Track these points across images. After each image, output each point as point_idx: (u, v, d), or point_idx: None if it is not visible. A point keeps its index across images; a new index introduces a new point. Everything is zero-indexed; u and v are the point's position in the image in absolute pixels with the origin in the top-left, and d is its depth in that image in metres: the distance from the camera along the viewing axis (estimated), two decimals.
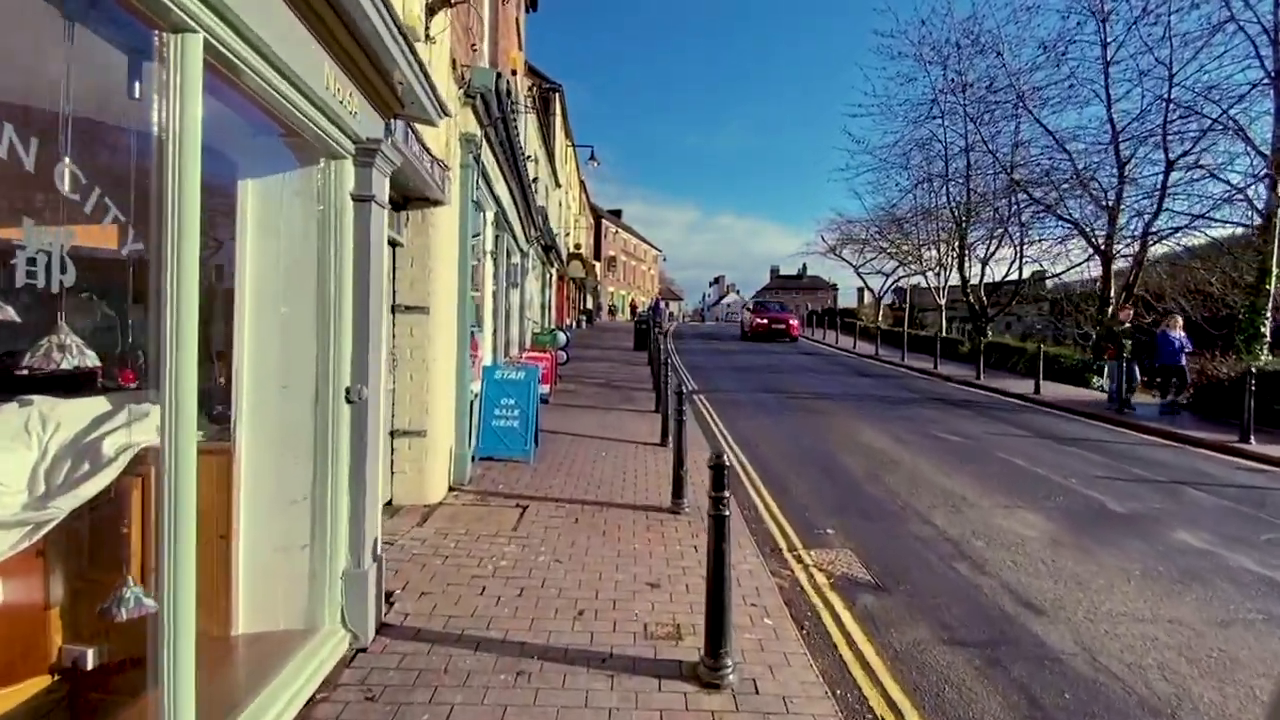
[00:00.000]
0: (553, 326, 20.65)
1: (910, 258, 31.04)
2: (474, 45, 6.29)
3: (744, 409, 11.26)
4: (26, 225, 1.74)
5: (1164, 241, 16.48)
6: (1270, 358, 12.59)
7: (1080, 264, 19.82)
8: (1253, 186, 14.12)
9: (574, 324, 32.52)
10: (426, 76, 3.40)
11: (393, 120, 3.59)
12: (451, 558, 4.33)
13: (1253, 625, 3.97)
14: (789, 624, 3.64)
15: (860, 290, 46.85)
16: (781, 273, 78.55)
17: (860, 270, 36.49)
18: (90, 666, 2.65)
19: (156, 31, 1.90)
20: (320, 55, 2.56)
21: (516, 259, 11.60)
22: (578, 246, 35.89)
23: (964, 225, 22.97)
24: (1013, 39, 20.19)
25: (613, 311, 53.89)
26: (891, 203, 27.75)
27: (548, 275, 22.24)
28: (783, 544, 5.08)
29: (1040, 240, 21.02)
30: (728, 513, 3.04)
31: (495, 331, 9.00)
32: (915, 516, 5.79)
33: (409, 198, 5.24)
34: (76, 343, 1.90)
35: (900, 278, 34.56)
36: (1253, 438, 9.07)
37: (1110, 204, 16.65)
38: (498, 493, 5.84)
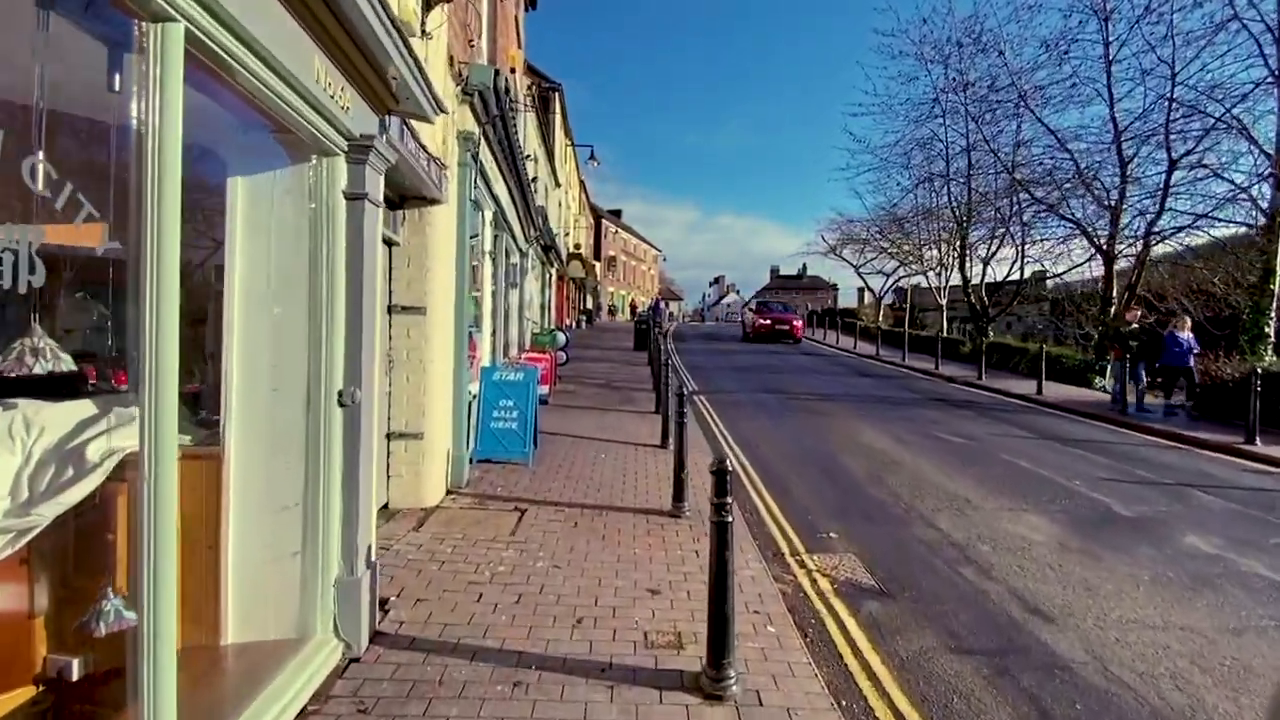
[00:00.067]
0: (552, 327, 20.57)
1: (911, 258, 30.96)
2: (471, 41, 6.21)
3: (745, 410, 11.18)
4: None
5: (1167, 241, 16.40)
6: (1275, 358, 12.51)
7: (1082, 264, 19.77)
8: (1256, 186, 14.04)
9: (574, 324, 32.45)
10: (422, 71, 3.32)
11: (387, 117, 3.51)
12: (448, 563, 4.25)
13: (1265, 633, 3.89)
14: (792, 632, 3.56)
15: (860, 290, 46.80)
16: (781, 273, 78.40)
17: (861, 270, 36.44)
18: (76, 677, 2.58)
19: (136, 21, 1.82)
20: (310, 48, 2.48)
21: (516, 259, 11.52)
22: (577, 246, 35.82)
23: (965, 225, 22.88)
24: (1014, 38, 20.23)
25: (612, 311, 53.81)
26: (892, 202, 27.70)
27: (547, 275, 22.16)
28: (785, 548, 5.00)
29: (1042, 240, 20.97)
30: (730, 519, 2.96)
31: (494, 332, 8.92)
32: (919, 519, 5.71)
33: (405, 196, 5.16)
34: (51, 346, 1.82)
35: (901, 278, 34.50)
36: (1258, 439, 8.99)
37: (1113, 203, 16.57)
38: (496, 496, 5.76)
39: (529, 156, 12.57)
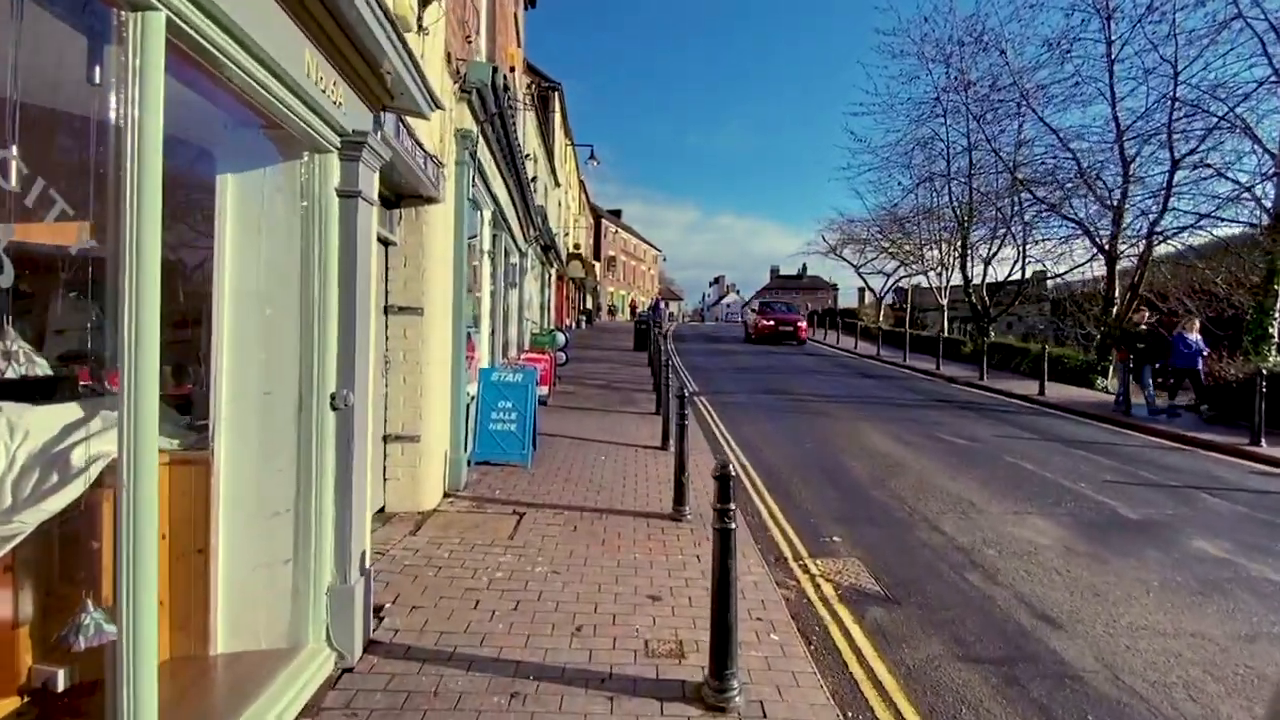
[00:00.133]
0: (552, 327, 20.50)
1: (912, 258, 30.86)
2: (469, 38, 6.13)
3: (746, 411, 11.10)
4: None
5: (1169, 241, 16.30)
6: (1279, 358, 12.42)
7: (1083, 264, 19.66)
8: (1260, 185, 13.95)
9: (573, 324, 32.37)
10: (417, 67, 3.24)
11: (382, 113, 3.44)
12: (445, 569, 4.17)
13: (1278, 640, 3.81)
14: (796, 640, 3.48)
15: (861, 290, 46.66)
16: (781, 273, 78.28)
17: (861, 270, 36.34)
18: (61, 688, 2.50)
19: (115, 10, 1.74)
20: (299, 40, 2.40)
21: (515, 259, 11.44)
22: (577, 246, 35.74)
23: (966, 225, 22.80)
24: (1016, 37, 20.17)
25: (612, 312, 53.73)
26: (893, 202, 27.59)
27: (547, 275, 22.08)
28: (788, 552, 4.92)
29: (1044, 240, 20.87)
30: (734, 526, 2.88)
31: (493, 332, 8.84)
32: (923, 523, 5.63)
33: (402, 195, 5.08)
34: (24, 349, 1.74)
35: (901, 278, 34.41)
36: (1263, 440, 8.91)
37: (1115, 203, 16.48)
38: (494, 499, 5.68)
39: (528, 156, 12.49)
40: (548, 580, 4.06)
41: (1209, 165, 14.62)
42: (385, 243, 5.06)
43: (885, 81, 52.53)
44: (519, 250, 11.91)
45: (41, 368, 1.86)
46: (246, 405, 2.92)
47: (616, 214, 61.05)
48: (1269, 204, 13.72)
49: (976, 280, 23.62)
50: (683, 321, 57.84)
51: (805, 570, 4.60)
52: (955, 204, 23.41)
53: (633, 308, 53.41)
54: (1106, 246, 16.91)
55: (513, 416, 6.76)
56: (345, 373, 3.05)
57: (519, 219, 11.16)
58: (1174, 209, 15.42)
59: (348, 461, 3.07)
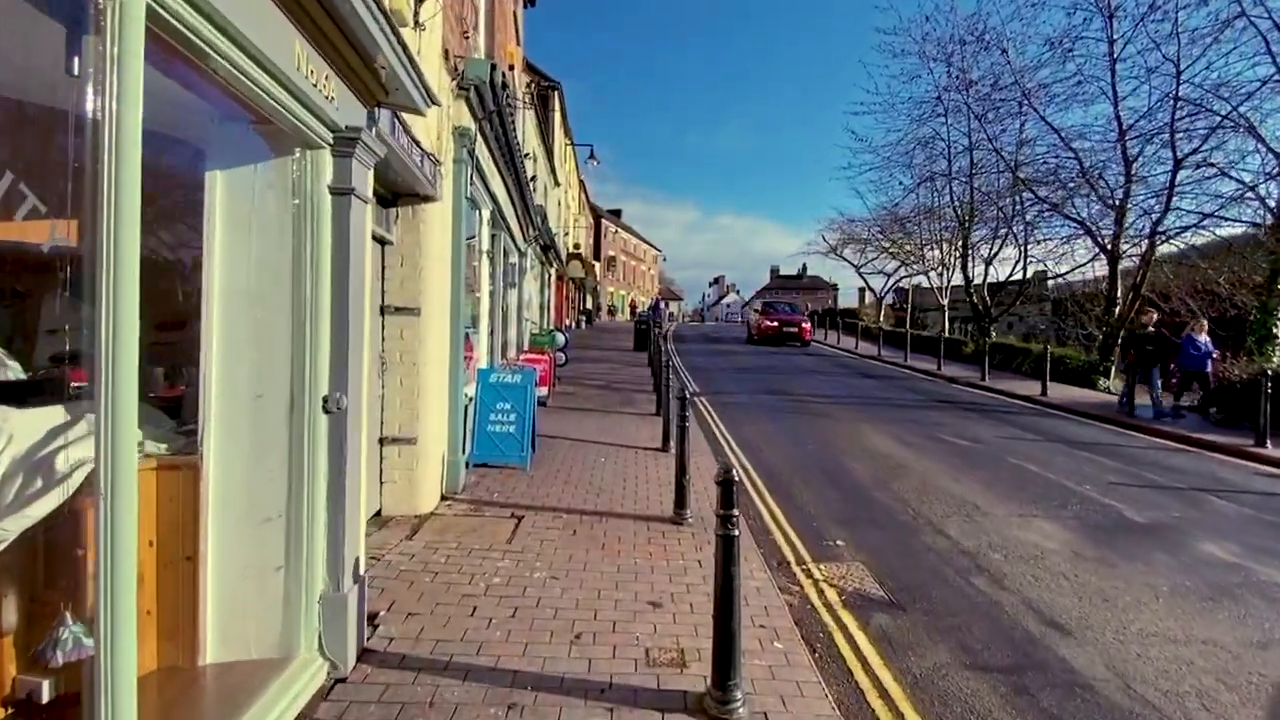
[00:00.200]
0: (551, 327, 20.42)
1: (913, 257, 30.79)
2: (466, 34, 6.05)
3: (746, 411, 11.02)
4: None
5: (1171, 241, 16.21)
6: None
7: (1085, 264, 19.58)
8: (1264, 184, 13.86)
9: (573, 324, 32.29)
10: (412, 61, 3.16)
11: (377, 109, 3.36)
12: (441, 574, 4.09)
13: None
14: (801, 648, 3.40)
15: (861, 290, 46.55)
16: (781, 273, 78.18)
17: (861, 270, 36.27)
18: (46, 699, 2.43)
19: None
20: (289, 32, 2.32)
21: (514, 259, 11.36)
22: (577, 246, 35.66)
23: (968, 224, 22.72)
24: (1017, 36, 20.07)
25: (612, 312, 53.65)
26: (894, 202, 27.52)
27: (546, 275, 22.00)
28: (790, 557, 4.85)
29: (1045, 240, 20.80)
30: (737, 533, 2.81)
31: (492, 333, 8.76)
32: (928, 526, 5.55)
33: (398, 193, 5.00)
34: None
35: (902, 278, 34.33)
36: (1269, 442, 8.83)
37: (1117, 203, 16.40)
38: (492, 502, 5.60)
39: (527, 155, 12.41)
40: (546, 586, 3.98)
41: (1212, 164, 14.56)
42: (381, 242, 4.98)
43: (886, 81, 52.51)
44: (518, 250, 11.83)
45: (15, 371, 1.78)
46: (237, 408, 2.85)
47: (616, 214, 60.98)
48: (1273, 203, 13.65)
49: (978, 280, 23.56)
50: (683, 321, 57.76)
51: (808, 575, 4.52)
52: (956, 203, 23.34)
53: (633, 308, 53.35)
54: (1109, 246, 16.83)
55: (511, 418, 6.69)
56: (338, 374, 2.97)
57: (518, 218, 11.08)
58: (1177, 208, 15.35)
59: (341, 465, 2.99)
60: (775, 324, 25.67)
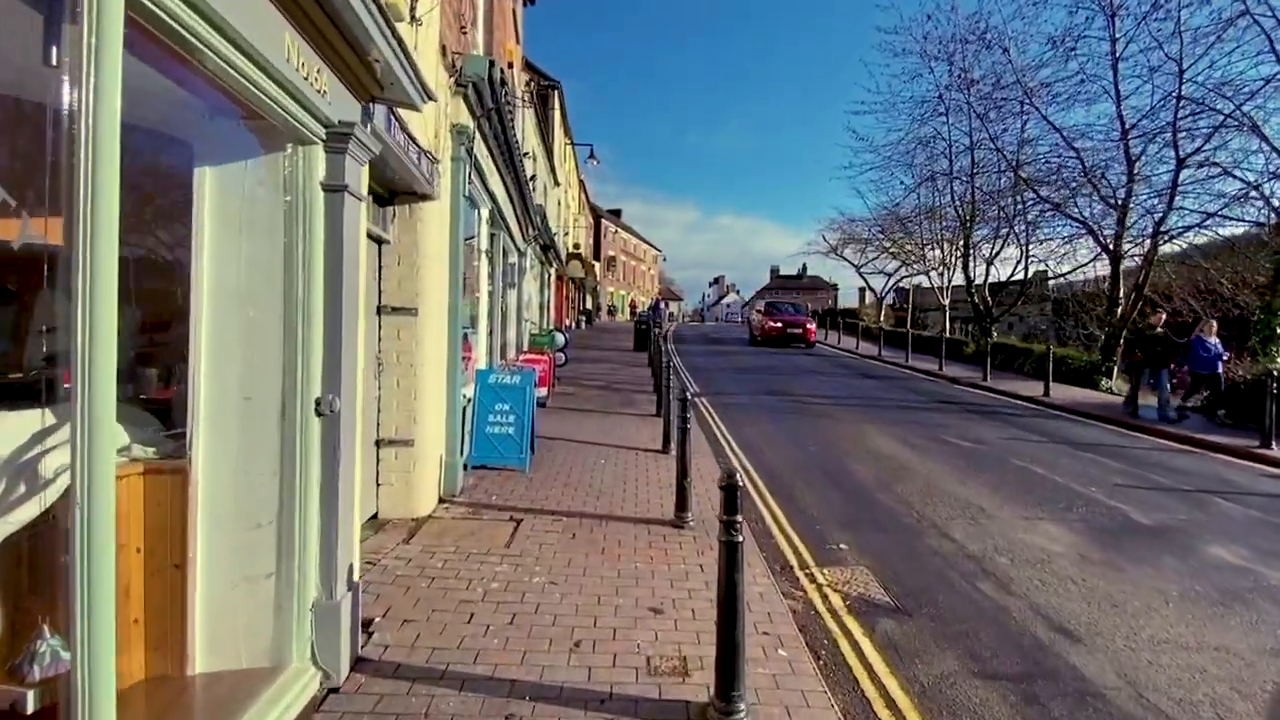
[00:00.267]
0: (551, 327, 20.34)
1: (913, 257, 30.70)
2: (464, 29, 5.97)
3: (747, 412, 10.95)
4: None
5: (1174, 241, 16.14)
6: None
7: (1087, 264, 19.50)
8: (1268, 184, 13.78)
9: (573, 325, 32.21)
10: (408, 55, 3.08)
11: (371, 104, 3.28)
12: (438, 579, 4.02)
13: None
14: (805, 655, 3.33)
15: (861, 290, 46.44)
16: (781, 273, 78.06)
17: (862, 270, 36.19)
18: (30, 710, 2.35)
19: None
20: (278, 21, 2.25)
21: (514, 258, 11.28)
22: (577, 246, 35.57)
23: (969, 224, 22.65)
24: (1019, 35, 19.88)
25: (612, 312, 53.57)
26: (895, 201, 27.45)
27: (546, 275, 21.93)
28: (793, 561, 4.77)
29: (1047, 240, 20.72)
30: (741, 539, 2.73)
31: (491, 333, 8.68)
32: (932, 529, 5.48)
33: (395, 192, 4.93)
34: None
35: (903, 278, 34.25)
36: (1274, 443, 8.76)
37: (1120, 202, 16.32)
38: (491, 505, 5.52)
39: (527, 154, 12.33)
40: (545, 591, 3.90)
41: (1216, 164, 14.46)
42: (378, 241, 4.91)
43: (887, 80, 52.23)
44: (517, 250, 11.75)
45: None
46: (226, 411, 2.77)
47: (616, 214, 60.88)
48: (1277, 203, 13.57)
49: (979, 280, 23.48)
50: (683, 322, 57.69)
51: (812, 579, 4.44)
52: (958, 203, 23.25)
53: (633, 308, 53.28)
54: (1111, 246, 16.75)
55: (510, 419, 6.61)
56: (331, 376, 2.90)
57: (517, 218, 11.00)
58: (1180, 208, 15.26)
59: (334, 470, 2.92)
60: (779, 325, 25.11)
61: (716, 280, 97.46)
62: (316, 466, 2.86)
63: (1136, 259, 16.57)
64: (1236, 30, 13.45)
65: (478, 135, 6.24)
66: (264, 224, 2.77)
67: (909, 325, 29.02)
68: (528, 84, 16.10)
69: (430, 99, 3.63)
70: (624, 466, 6.91)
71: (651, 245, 73.35)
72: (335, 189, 2.88)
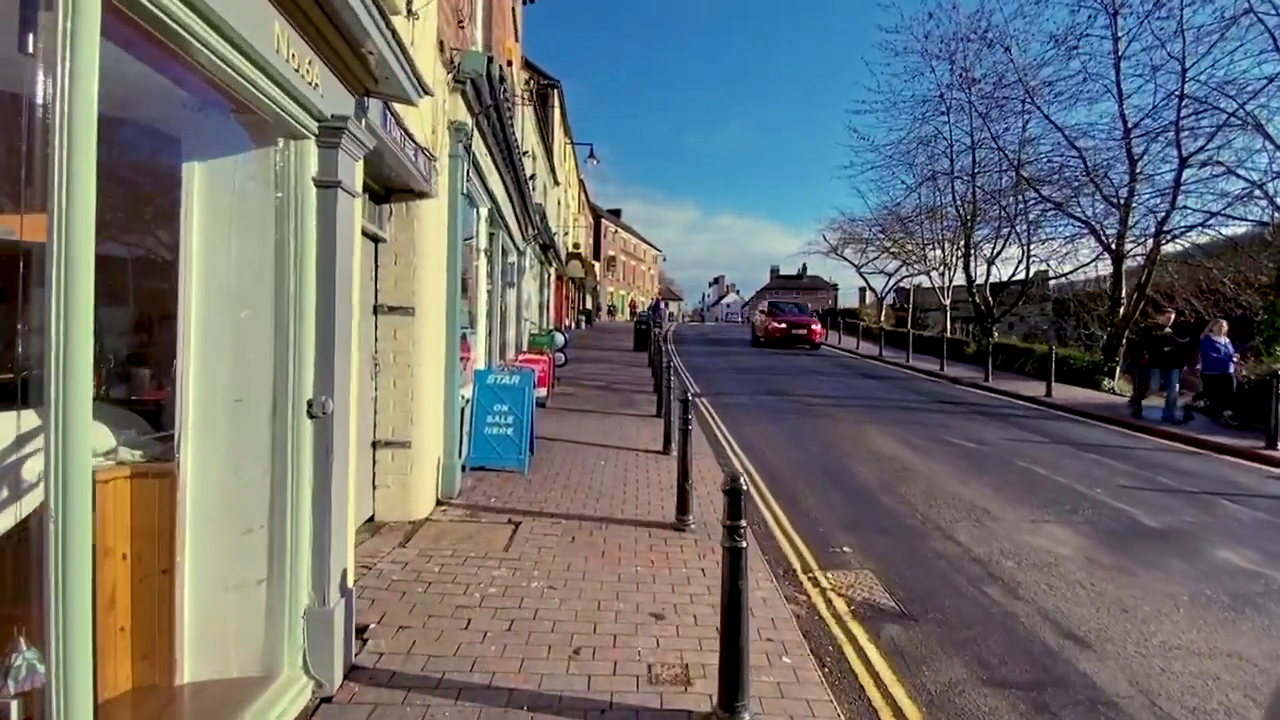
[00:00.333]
0: (551, 327, 20.27)
1: (914, 257, 30.62)
2: (462, 24, 5.90)
3: (748, 412, 10.87)
4: None
5: (1176, 240, 16.05)
6: None
7: (1089, 263, 19.42)
8: (1272, 183, 13.69)
9: (573, 324, 32.14)
10: (403, 49, 3.01)
11: (366, 99, 3.21)
12: (435, 584, 3.94)
13: None
14: (810, 662, 3.25)
15: (861, 290, 46.29)
16: (781, 273, 77.96)
17: (862, 270, 36.11)
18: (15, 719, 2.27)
19: None
20: (266, 10, 2.17)
21: (513, 258, 11.21)
22: (576, 246, 35.50)
23: (970, 224, 22.57)
24: (1021, 33, 19.81)
25: (612, 312, 53.49)
26: (896, 201, 27.36)
27: (546, 275, 21.85)
28: (796, 564, 4.69)
29: (1048, 239, 20.64)
30: (745, 544, 2.65)
31: (490, 333, 8.61)
32: (937, 531, 5.40)
33: (392, 189, 4.85)
34: None
35: (904, 277, 34.17)
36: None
37: (1122, 201, 16.24)
38: (489, 507, 5.45)
39: (526, 153, 12.25)
40: (544, 596, 3.82)
41: (1219, 163, 14.37)
42: (375, 239, 4.83)
43: (888, 79, 51.96)
44: (517, 249, 11.68)
45: None
46: (216, 412, 2.69)
47: (616, 213, 60.80)
48: None
49: (980, 280, 23.39)
50: (683, 322, 57.60)
51: (815, 584, 4.37)
52: (959, 202, 23.17)
53: (632, 308, 53.20)
54: (1113, 245, 16.67)
55: (509, 420, 6.53)
56: (324, 377, 2.82)
57: (517, 217, 10.93)
58: (1182, 207, 15.16)
59: (327, 473, 2.84)
60: (784, 325, 24.01)
61: (716, 280, 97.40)
62: (309, 469, 2.78)
63: (1139, 258, 16.48)
64: (1240, 28, 13.37)
65: (476, 133, 6.17)
66: (255, 220, 2.70)
67: (910, 325, 28.94)
68: (527, 82, 16.02)
69: (427, 94, 3.56)
70: (624, 468, 6.84)
71: (651, 245, 73.26)
72: (328, 185, 2.80)
